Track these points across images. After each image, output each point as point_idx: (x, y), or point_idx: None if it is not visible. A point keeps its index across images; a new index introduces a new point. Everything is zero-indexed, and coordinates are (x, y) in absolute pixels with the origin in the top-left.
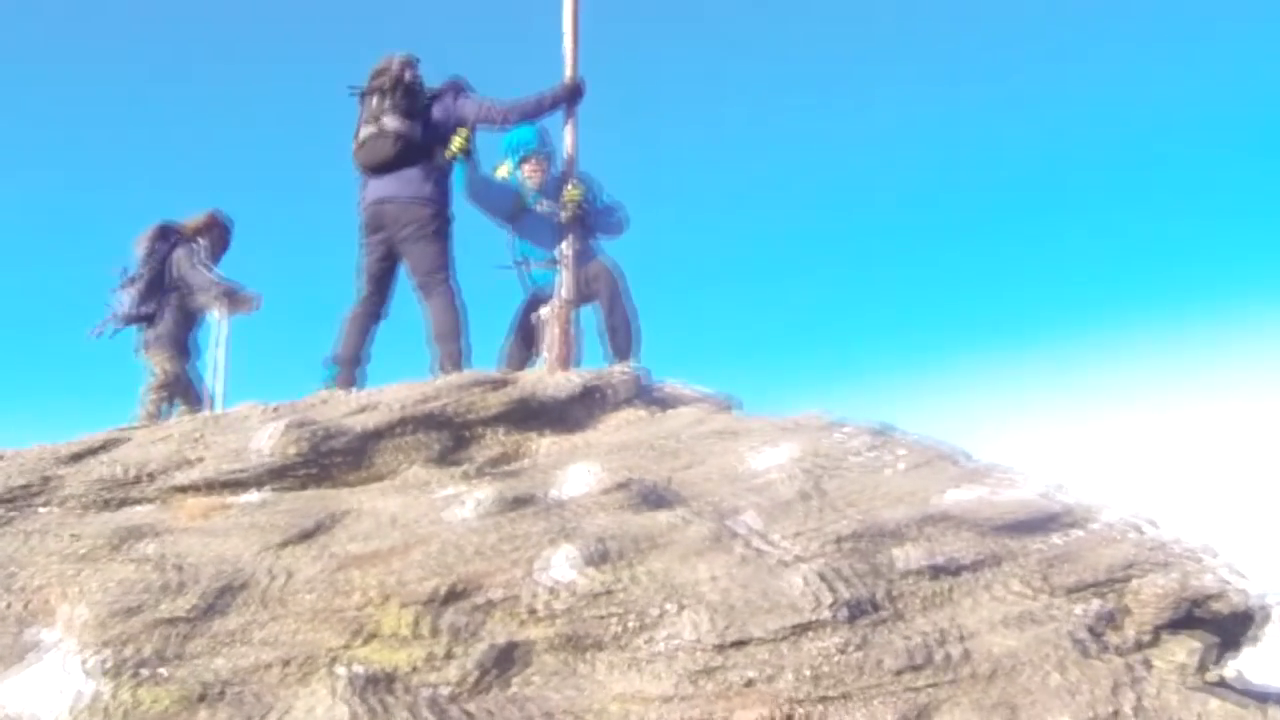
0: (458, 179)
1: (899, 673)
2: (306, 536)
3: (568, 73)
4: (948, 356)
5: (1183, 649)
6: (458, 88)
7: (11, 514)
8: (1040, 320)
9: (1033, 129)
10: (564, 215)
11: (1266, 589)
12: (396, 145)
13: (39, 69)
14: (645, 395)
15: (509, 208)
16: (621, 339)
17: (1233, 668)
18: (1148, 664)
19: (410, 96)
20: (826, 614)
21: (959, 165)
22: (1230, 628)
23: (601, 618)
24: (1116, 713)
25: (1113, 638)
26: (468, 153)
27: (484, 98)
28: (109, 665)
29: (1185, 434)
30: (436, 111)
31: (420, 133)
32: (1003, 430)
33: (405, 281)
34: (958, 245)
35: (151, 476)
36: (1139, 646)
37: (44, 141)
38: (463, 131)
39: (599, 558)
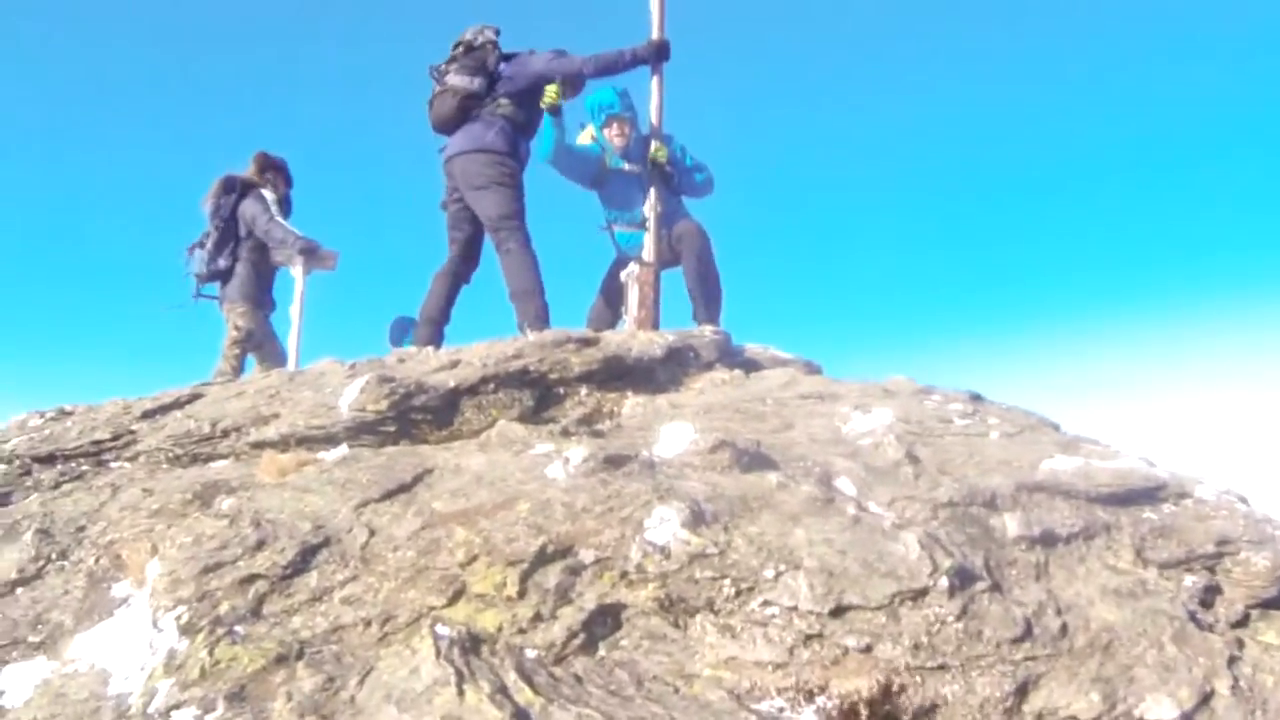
0: (544, 138)
1: (1000, 645)
2: (393, 494)
3: (655, 33)
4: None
5: (1273, 629)
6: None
7: (88, 468)
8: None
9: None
10: (650, 176)
11: None
12: (457, 100)
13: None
14: (731, 357)
15: (593, 172)
16: (707, 301)
17: None
18: (1240, 644)
19: (475, 55)
20: (935, 582)
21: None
22: None
23: (702, 581)
24: (1215, 693)
25: (1206, 616)
26: (556, 110)
27: (562, 52)
28: (188, 622)
29: (1249, 413)
30: (508, 68)
31: (485, 87)
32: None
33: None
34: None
35: (229, 432)
36: (1232, 625)
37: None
38: (552, 87)
39: (700, 519)
